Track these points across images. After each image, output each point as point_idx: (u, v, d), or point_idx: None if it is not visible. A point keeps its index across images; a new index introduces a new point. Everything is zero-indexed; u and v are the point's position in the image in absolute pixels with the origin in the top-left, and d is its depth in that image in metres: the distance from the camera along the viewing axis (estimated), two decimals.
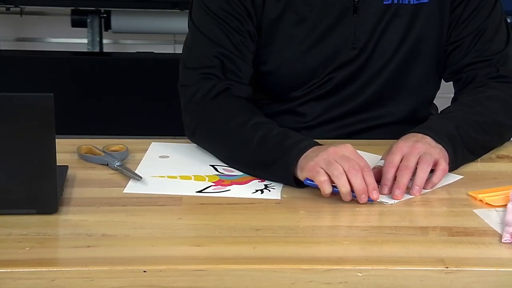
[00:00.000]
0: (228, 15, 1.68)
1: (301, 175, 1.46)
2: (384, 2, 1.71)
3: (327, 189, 1.41)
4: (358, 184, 1.40)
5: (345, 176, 1.40)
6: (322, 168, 1.41)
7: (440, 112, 1.71)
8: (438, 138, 1.52)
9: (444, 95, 1.87)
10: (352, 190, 1.41)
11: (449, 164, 1.51)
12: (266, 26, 1.71)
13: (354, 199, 1.42)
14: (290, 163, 1.46)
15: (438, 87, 1.84)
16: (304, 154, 1.46)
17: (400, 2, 1.71)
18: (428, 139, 1.52)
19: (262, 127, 1.56)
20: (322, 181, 1.41)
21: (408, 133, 1.55)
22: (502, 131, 1.67)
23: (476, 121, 1.61)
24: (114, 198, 1.44)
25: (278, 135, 1.54)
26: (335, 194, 1.42)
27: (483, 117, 1.62)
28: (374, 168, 1.48)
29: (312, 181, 1.43)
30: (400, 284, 1.22)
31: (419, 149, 1.49)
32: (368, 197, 1.41)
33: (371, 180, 1.41)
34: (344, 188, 1.40)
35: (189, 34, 1.74)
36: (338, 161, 1.41)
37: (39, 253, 1.24)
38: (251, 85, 1.71)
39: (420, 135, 1.53)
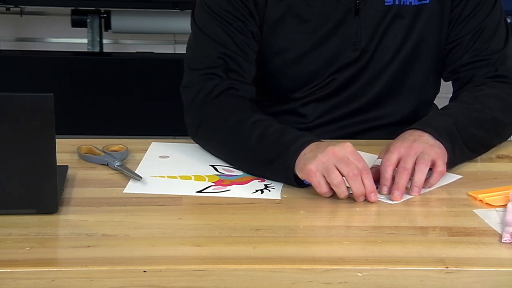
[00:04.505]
0: (231, 16, 1.68)
1: (300, 175, 1.46)
2: (386, 3, 1.71)
3: (327, 195, 1.43)
4: (357, 188, 1.41)
5: (344, 184, 1.41)
6: (323, 176, 1.42)
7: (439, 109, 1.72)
8: (437, 134, 1.52)
9: (444, 95, 1.87)
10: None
11: (447, 161, 1.52)
12: (268, 27, 1.71)
13: (352, 197, 1.43)
14: (289, 163, 1.46)
15: (438, 88, 1.84)
16: (303, 153, 1.46)
17: (402, 3, 1.71)
18: (425, 137, 1.52)
19: (260, 124, 1.56)
20: (323, 193, 1.43)
21: (406, 130, 1.55)
22: (501, 129, 1.67)
23: (474, 117, 1.61)
24: (114, 198, 1.44)
25: (276, 132, 1.54)
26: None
27: (482, 114, 1.63)
28: (371, 168, 1.48)
29: None
30: (400, 284, 1.22)
31: (416, 149, 1.49)
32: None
33: (369, 183, 1.42)
34: (342, 195, 1.42)
35: (192, 35, 1.74)
36: (337, 165, 1.41)
37: (39, 253, 1.24)
38: (254, 85, 1.71)
39: (418, 133, 1.53)
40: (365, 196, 1.42)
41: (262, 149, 1.53)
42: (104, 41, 3.34)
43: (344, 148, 1.44)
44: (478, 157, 1.63)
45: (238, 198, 1.45)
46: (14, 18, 3.43)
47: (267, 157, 1.51)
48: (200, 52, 1.71)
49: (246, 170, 1.56)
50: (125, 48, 3.54)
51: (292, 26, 1.71)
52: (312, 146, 1.47)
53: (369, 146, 1.63)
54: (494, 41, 1.75)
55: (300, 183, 1.47)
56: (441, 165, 1.49)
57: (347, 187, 1.42)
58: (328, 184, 1.42)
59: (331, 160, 1.42)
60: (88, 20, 3.25)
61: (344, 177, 1.41)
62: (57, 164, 1.34)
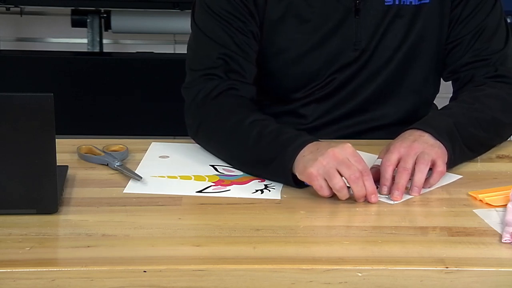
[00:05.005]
0: (231, 16, 1.68)
1: (299, 177, 1.46)
2: (386, 3, 1.71)
3: (327, 196, 1.43)
4: (358, 191, 1.41)
5: (346, 188, 1.41)
6: (325, 180, 1.41)
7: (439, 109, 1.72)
8: (437, 134, 1.52)
9: (444, 95, 1.87)
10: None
11: (447, 161, 1.52)
12: (268, 27, 1.71)
13: (353, 198, 1.43)
14: (287, 164, 1.46)
15: (438, 88, 1.84)
16: (301, 154, 1.46)
17: (402, 2, 1.71)
18: (426, 137, 1.52)
19: (258, 124, 1.56)
20: (325, 196, 1.43)
21: (406, 130, 1.55)
22: (501, 129, 1.67)
23: (474, 117, 1.61)
24: (114, 198, 1.44)
25: (273, 131, 1.53)
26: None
27: (482, 114, 1.63)
28: (371, 168, 1.48)
29: None
30: (400, 284, 1.22)
31: (416, 149, 1.49)
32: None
33: (370, 185, 1.42)
34: (344, 198, 1.42)
35: (192, 36, 1.74)
36: (338, 168, 1.41)
37: (39, 253, 1.24)
38: (255, 86, 1.71)
39: (418, 132, 1.53)
40: (366, 198, 1.42)
41: (260, 149, 1.52)
42: (104, 41, 3.34)
43: (345, 150, 1.43)
44: (478, 157, 1.63)
45: (238, 198, 1.45)
46: (14, 18, 3.43)
47: (265, 157, 1.51)
48: (200, 53, 1.71)
49: (246, 170, 1.56)
50: (125, 48, 3.55)
51: (292, 26, 1.71)
52: (311, 147, 1.47)
53: (369, 146, 1.63)
54: (494, 41, 1.75)
55: (299, 183, 1.47)
56: (441, 165, 1.49)
57: (348, 187, 1.42)
58: (330, 190, 1.42)
59: (332, 163, 1.42)
60: (88, 20, 3.25)
61: (344, 178, 1.41)
62: (57, 164, 1.34)
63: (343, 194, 1.41)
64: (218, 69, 1.68)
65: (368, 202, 1.42)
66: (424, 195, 1.47)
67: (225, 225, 1.34)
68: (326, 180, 1.42)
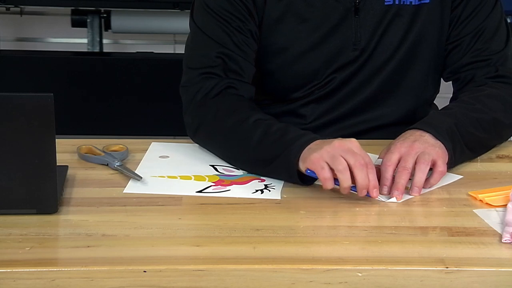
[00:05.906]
0: (230, 15, 1.68)
1: (303, 166, 1.45)
2: (385, 3, 1.71)
3: (329, 185, 1.42)
4: (362, 179, 1.40)
5: (349, 172, 1.40)
6: (327, 163, 1.41)
7: (440, 109, 1.72)
8: (437, 134, 1.52)
9: (444, 95, 1.87)
10: (353, 183, 1.41)
11: (448, 161, 1.52)
12: (267, 26, 1.71)
13: (353, 193, 1.42)
14: (292, 157, 1.46)
15: (438, 88, 1.84)
16: (307, 148, 1.46)
17: (402, 2, 1.71)
18: (426, 136, 1.52)
19: (261, 124, 1.56)
20: (326, 178, 1.42)
21: (407, 130, 1.55)
22: (501, 129, 1.67)
23: (475, 118, 1.61)
24: (114, 198, 1.44)
25: (278, 131, 1.53)
26: (335, 186, 1.43)
27: (482, 114, 1.63)
28: None
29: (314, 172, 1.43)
30: (400, 284, 1.22)
31: (417, 149, 1.49)
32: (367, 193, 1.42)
33: (373, 178, 1.42)
34: (345, 183, 1.41)
35: (191, 34, 1.74)
36: (343, 155, 1.41)
37: (39, 253, 1.24)
38: (253, 85, 1.71)
39: (419, 132, 1.53)
40: (368, 191, 1.42)
41: (265, 147, 1.52)
42: (104, 41, 3.34)
43: (350, 142, 1.44)
44: (478, 157, 1.63)
45: (238, 198, 1.45)
46: (14, 18, 3.43)
47: (270, 155, 1.50)
48: (199, 52, 1.71)
49: (248, 169, 1.56)
50: (125, 48, 3.55)
51: (291, 26, 1.71)
52: (317, 141, 1.47)
53: (369, 146, 1.62)
54: (495, 42, 1.74)
55: (303, 181, 1.47)
56: (441, 165, 1.49)
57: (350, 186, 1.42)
58: (331, 173, 1.41)
59: (337, 150, 1.42)
60: (88, 20, 3.25)
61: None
62: (57, 164, 1.34)
63: (346, 177, 1.40)
64: (216, 68, 1.67)
65: (368, 200, 1.42)
66: (424, 195, 1.47)
67: (225, 225, 1.34)
68: (329, 165, 1.41)
